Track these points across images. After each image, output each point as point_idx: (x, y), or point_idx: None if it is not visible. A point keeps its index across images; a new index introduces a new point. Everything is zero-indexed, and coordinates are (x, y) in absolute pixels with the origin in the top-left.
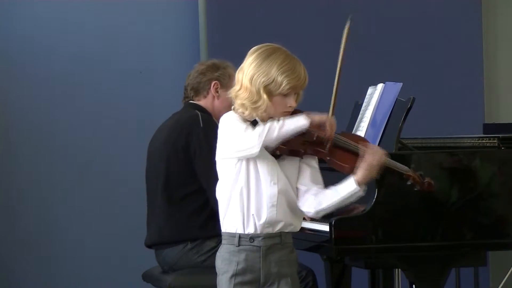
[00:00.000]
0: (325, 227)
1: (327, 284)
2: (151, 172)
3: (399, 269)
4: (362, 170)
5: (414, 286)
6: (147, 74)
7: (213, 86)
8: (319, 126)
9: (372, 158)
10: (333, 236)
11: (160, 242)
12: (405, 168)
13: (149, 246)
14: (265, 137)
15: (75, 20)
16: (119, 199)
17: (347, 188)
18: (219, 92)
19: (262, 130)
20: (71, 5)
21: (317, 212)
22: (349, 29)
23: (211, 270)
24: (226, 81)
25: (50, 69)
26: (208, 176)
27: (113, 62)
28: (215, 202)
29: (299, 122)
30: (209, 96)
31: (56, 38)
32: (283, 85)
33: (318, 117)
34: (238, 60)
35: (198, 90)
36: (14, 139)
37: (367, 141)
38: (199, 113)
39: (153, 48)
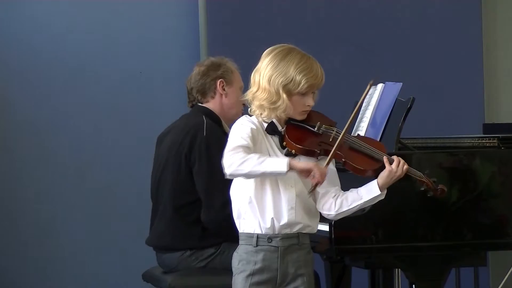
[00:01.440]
0: (325, 227)
1: (327, 284)
2: (157, 174)
3: (399, 269)
4: (385, 178)
5: (414, 286)
6: (147, 75)
7: (219, 84)
8: (306, 172)
9: (396, 169)
10: (333, 236)
11: (159, 247)
12: (419, 173)
13: (149, 245)
14: (236, 168)
15: (75, 21)
16: (120, 199)
17: (371, 193)
18: (225, 89)
19: (238, 159)
20: (71, 6)
21: (337, 215)
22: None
23: (212, 271)
24: (230, 77)
25: (50, 70)
26: (204, 188)
27: (113, 63)
28: (207, 218)
29: (278, 167)
30: (217, 96)
31: (56, 38)
32: (302, 84)
33: (303, 164)
34: (238, 60)
35: (204, 92)
36: (14, 140)
37: (383, 145)
38: (205, 120)
39: (153, 49)
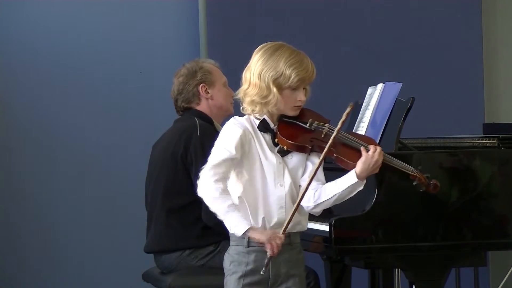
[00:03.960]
0: (325, 227)
1: (327, 284)
2: (151, 179)
3: (399, 269)
4: (361, 165)
5: (414, 286)
6: (147, 74)
7: (202, 89)
8: (260, 243)
9: (372, 155)
10: (333, 236)
11: (159, 250)
12: (411, 168)
13: (148, 252)
14: (209, 201)
15: (75, 20)
16: (120, 198)
17: (348, 181)
18: (209, 92)
19: (217, 193)
20: (71, 5)
21: (316, 206)
22: (349, 113)
23: (211, 270)
24: (210, 78)
25: (50, 69)
26: None
27: (113, 62)
28: (208, 214)
29: (235, 228)
30: (203, 101)
31: (55, 38)
32: (292, 77)
33: (259, 235)
34: (238, 60)
35: (189, 101)
36: (14, 140)
37: (374, 141)
38: (198, 122)
39: (153, 48)
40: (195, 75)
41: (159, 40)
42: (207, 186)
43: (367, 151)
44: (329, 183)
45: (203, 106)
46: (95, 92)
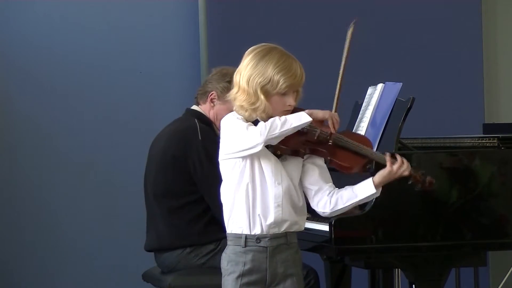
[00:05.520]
0: (325, 227)
1: (327, 284)
2: (149, 178)
3: (399, 269)
4: (383, 178)
5: (414, 286)
6: (147, 74)
7: (210, 95)
8: (322, 122)
9: (398, 170)
10: (333, 236)
11: (159, 248)
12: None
13: (148, 250)
14: (268, 134)
15: (75, 20)
16: (120, 199)
17: (366, 191)
18: (214, 102)
19: (264, 127)
20: (71, 5)
21: (332, 213)
22: (353, 32)
23: (211, 270)
24: (225, 94)
25: (50, 70)
26: (210, 189)
27: (113, 62)
28: (217, 210)
29: (302, 119)
30: (207, 104)
31: (55, 38)
32: (280, 84)
33: (321, 112)
34: (238, 60)
35: (201, 94)
36: (14, 141)
37: (369, 141)
38: (198, 124)
39: (153, 48)
40: (220, 81)
41: (159, 40)
42: (257, 132)
43: (392, 163)
44: (345, 191)
45: (205, 108)
46: (95, 92)
